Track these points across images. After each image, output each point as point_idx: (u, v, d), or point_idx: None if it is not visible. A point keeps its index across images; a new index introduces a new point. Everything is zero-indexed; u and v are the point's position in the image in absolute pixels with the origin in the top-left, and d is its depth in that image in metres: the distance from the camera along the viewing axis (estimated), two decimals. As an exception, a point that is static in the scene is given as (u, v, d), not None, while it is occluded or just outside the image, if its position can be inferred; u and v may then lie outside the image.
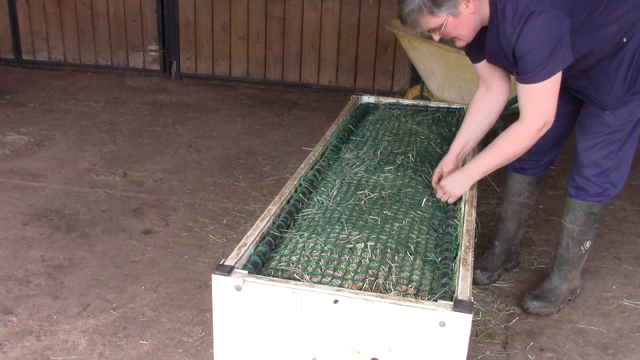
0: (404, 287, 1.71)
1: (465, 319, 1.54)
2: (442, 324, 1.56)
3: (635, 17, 2.24)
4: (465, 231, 1.98)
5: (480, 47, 2.25)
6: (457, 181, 2.25)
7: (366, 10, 5.59)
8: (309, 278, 1.70)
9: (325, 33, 5.73)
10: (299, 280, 1.69)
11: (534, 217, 3.52)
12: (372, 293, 1.62)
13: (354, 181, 2.31)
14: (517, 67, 2.13)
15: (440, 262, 1.85)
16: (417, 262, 1.84)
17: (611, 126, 2.41)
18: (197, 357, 2.41)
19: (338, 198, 2.17)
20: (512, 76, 2.39)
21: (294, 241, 1.91)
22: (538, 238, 3.35)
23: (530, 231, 3.39)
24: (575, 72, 2.30)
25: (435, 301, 1.60)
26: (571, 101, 2.52)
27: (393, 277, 1.74)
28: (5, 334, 2.48)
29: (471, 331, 1.67)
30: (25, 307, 2.65)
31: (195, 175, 4.00)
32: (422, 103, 3.28)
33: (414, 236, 1.98)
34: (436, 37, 2.18)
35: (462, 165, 2.41)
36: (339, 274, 1.74)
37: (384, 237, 1.91)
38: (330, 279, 1.71)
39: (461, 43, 2.23)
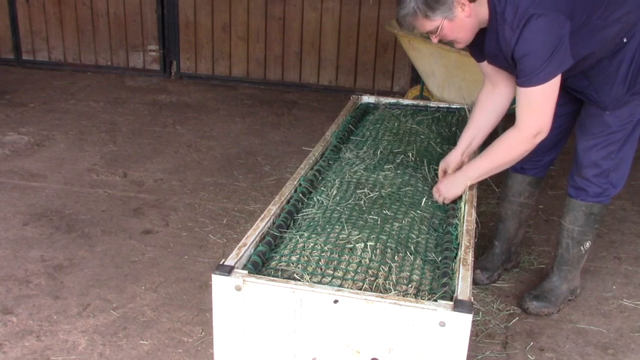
0: (404, 287, 1.71)
1: (465, 319, 1.54)
2: (442, 324, 1.56)
3: (635, 18, 2.24)
4: (465, 231, 1.98)
5: (481, 46, 2.25)
6: (452, 183, 2.25)
7: (366, 10, 5.59)
8: (309, 278, 1.70)
9: (325, 33, 5.73)
10: (299, 280, 1.69)
11: (534, 217, 3.52)
12: (372, 293, 1.62)
13: (354, 180, 2.31)
14: (516, 70, 2.13)
15: (440, 261, 1.85)
16: (417, 261, 1.84)
17: (611, 126, 2.41)
18: (197, 357, 2.41)
19: (338, 197, 2.17)
20: None
21: (294, 241, 1.91)
22: (538, 238, 3.35)
23: (530, 231, 3.39)
24: (575, 72, 2.30)
25: (435, 301, 1.60)
26: (571, 101, 2.52)
27: (393, 277, 1.74)
28: (5, 334, 2.48)
29: (471, 331, 1.67)
30: (25, 307, 2.65)
31: (195, 175, 4.00)
32: (422, 103, 3.28)
33: (414, 236, 1.98)
34: (434, 40, 2.18)
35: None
36: (339, 274, 1.74)
37: (384, 237, 1.91)
38: (330, 279, 1.71)
39: (459, 45, 2.23)
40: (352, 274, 1.74)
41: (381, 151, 2.58)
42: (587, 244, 2.65)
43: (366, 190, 2.23)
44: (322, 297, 1.63)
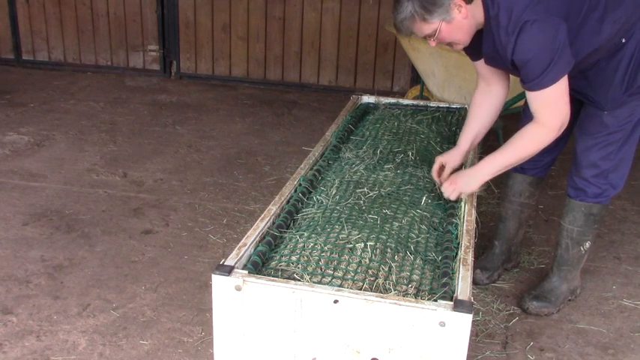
0: (404, 287, 1.71)
1: (465, 319, 1.54)
2: (442, 324, 1.56)
3: (633, 18, 2.24)
4: (465, 231, 1.98)
5: (478, 46, 2.25)
6: (470, 178, 2.24)
7: (366, 10, 5.59)
8: (309, 278, 1.70)
9: (325, 33, 5.73)
10: (299, 280, 1.69)
11: (534, 217, 3.52)
12: (372, 293, 1.62)
13: (354, 180, 2.31)
14: (521, 75, 2.13)
15: (440, 261, 1.85)
16: (417, 261, 1.84)
17: (609, 127, 2.41)
18: (197, 357, 2.41)
19: (337, 197, 2.17)
20: (511, 75, 2.39)
21: (294, 241, 1.91)
22: (538, 238, 3.35)
23: (530, 231, 3.39)
24: (574, 73, 2.30)
25: (435, 301, 1.60)
26: (570, 102, 2.52)
27: (393, 276, 1.74)
28: (5, 334, 2.48)
29: (471, 331, 1.67)
30: (25, 307, 2.65)
31: (195, 175, 4.00)
32: (422, 103, 3.28)
33: (414, 235, 1.98)
34: (432, 44, 2.18)
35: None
36: (339, 274, 1.74)
37: (383, 236, 1.91)
38: (330, 279, 1.71)
39: (458, 48, 2.23)
40: (352, 274, 1.74)
41: (380, 151, 2.58)
42: (587, 245, 2.65)
43: (365, 189, 2.23)
44: (322, 297, 1.63)
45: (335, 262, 1.78)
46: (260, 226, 1.93)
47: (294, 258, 1.81)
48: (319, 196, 2.19)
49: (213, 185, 3.85)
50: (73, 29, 6.10)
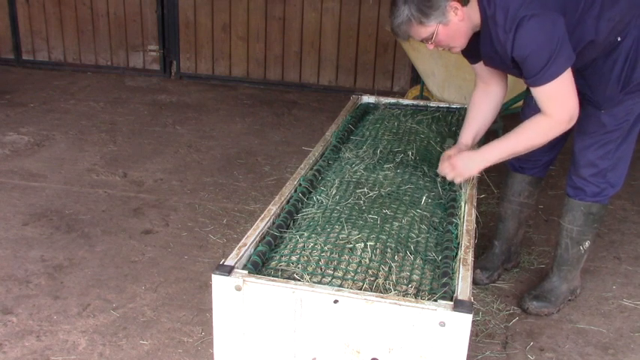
0: (404, 287, 1.71)
1: (465, 319, 1.54)
2: (442, 324, 1.56)
3: (628, 17, 2.24)
4: (464, 231, 1.98)
5: (475, 49, 2.25)
6: (470, 161, 2.23)
7: (366, 10, 5.59)
8: (309, 278, 1.70)
9: (325, 33, 5.73)
10: (299, 280, 1.69)
11: (534, 217, 3.52)
12: (372, 293, 1.62)
13: (354, 180, 2.31)
14: (523, 71, 2.13)
15: (440, 260, 1.85)
16: (417, 261, 1.84)
17: (607, 126, 2.41)
18: (197, 357, 2.41)
19: (337, 197, 2.17)
20: (510, 75, 2.40)
21: (294, 241, 1.91)
22: (538, 238, 3.35)
23: (530, 231, 3.39)
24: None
25: (435, 301, 1.60)
26: None
27: (393, 276, 1.74)
28: (5, 334, 2.48)
29: (471, 331, 1.67)
30: (25, 307, 2.65)
31: (195, 175, 4.00)
32: (422, 103, 3.28)
33: (414, 235, 1.98)
34: (430, 47, 2.17)
35: None
36: (339, 274, 1.74)
37: (383, 236, 1.91)
38: (330, 279, 1.71)
39: (455, 51, 2.23)
40: (352, 274, 1.74)
41: (380, 151, 2.58)
42: (587, 244, 2.65)
43: (365, 189, 2.23)
44: (322, 297, 1.63)
45: (335, 262, 1.78)
46: (260, 226, 1.93)
47: (294, 258, 1.81)
48: (319, 196, 2.19)
49: (213, 185, 3.85)
50: (73, 29, 6.10)
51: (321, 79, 5.87)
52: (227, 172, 4.05)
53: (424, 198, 2.23)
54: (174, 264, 3.01)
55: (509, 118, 4.12)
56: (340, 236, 1.90)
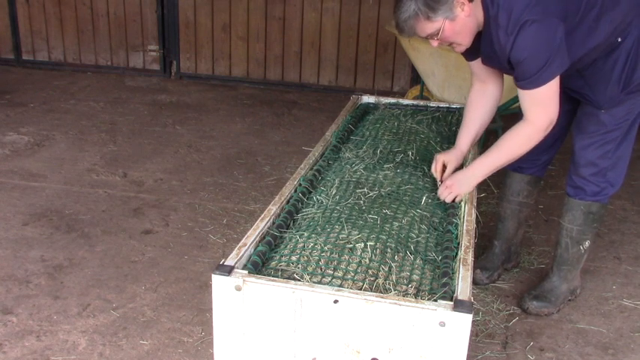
0: (404, 287, 1.71)
1: (465, 319, 1.54)
2: (442, 324, 1.56)
3: (629, 18, 2.24)
4: (465, 231, 1.98)
5: (473, 46, 2.24)
6: (464, 180, 2.25)
7: (366, 10, 5.59)
8: (309, 278, 1.70)
9: (325, 33, 5.73)
10: (299, 280, 1.69)
11: (534, 217, 3.52)
12: (372, 293, 1.62)
13: (354, 180, 2.31)
14: (515, 73, 2.14)
15: (440, 261, 1.85)
16: (417, 261, 1.84)
17: (607, 125, 2.41)
18: (197, 357, 2.41)
19: (337, 197, 2.17)
20: (505, 75, 2.40)
21: (294, 241, 1.91)
22: (538, 238, 3.35)
23: (530, 231, 3.39)
24: (571, 72, 2.31)
25: (435, 301, 1.60)
26: (568, 100, 2.52)
27: (393, 276, 1.74)
28: (5, 334, 2.48)
29: (471, 331, 1.67)
30: (25, 307, 2.65)
31: (195, 175, 4.00)
32: (422, 103, 3.28)
33: (414, 235, 1.98)
34: (435, 44, 2.17)
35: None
36: (339, 274, 1.74)
37: (383, 236, 1.91)
38: (330, 279, 1.71)
39: (460, 49, 2.22)
40: (352, 274, 1.74)
41: (380, 151, 2.58)
42: (587, 244, 2.65)
43: (365, 189, 2.23)
44: (322, 297, 1.63)
45: (335, 262, 1.78)
46: (260, 226, 1.93)
47: (294, 258, 1.81)
48: (319, 196, 2.19)
49: (213, 185, 3.85)
50: (73, 29, 6.10)
51: (321, 79, 5.87)
52: (227, 172, 4.05)
53: (424, 198, 2.23)
54: (174, 264, 3.01)
55: (509, 117, 4.12)
56: (340, 236, 1.90)
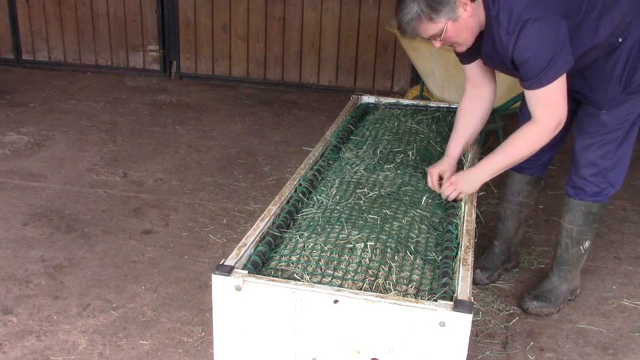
0: (404, 287, 1.71)
1: (465, 319, 1.54)
2: (442, 324, 1.56)
3: (629, 17, 2.24)
4: (465, 231, 1.98)
5: (470, 49, 2.24)
6: (470, 178, 2.24)
7: (366, 10, 5.59)
8: (309, 278, 1.70)
9: (325, 33, 5.73)
10: (299, 280, 1.69)
11: (534, 217, 3.52)
12: (372, 293, 1.62)
13: (354, 180, 2.31)
14: (519, 74, 2.13)
15: (440, 261, 1.85)
16: (417, 261, 1.84)
17: (607, 126, 2.41)
18: (197, 357, 2.41)
19: (337, 197, 2.17)
20: (508, 76, 2.39)
21: (294, 241, 1.91)
22: (538, 238, 3.35)
23: (530, 231, 3.39)
24: (572, 72, 2.30)
25: (435, 301, 1.60)
26: (569, 101, 2.52)
27: (393, 276, 1.74)
28: (5, 334, 2.48)
29: (471, 331, 1.67)
30: (25, 307, 2.65)
31: (195, 175, 4.00)
32: (422, 103, 3.28)
33: (414, 235, 1.98)
34: (437, 45, 2.16)
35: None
36: (339, 274, 1.74)
37: (383, 236, 1.91)
38: (330, 279, 1.71)
39: (461, 48, 2.22)
40: (352, 274, 1.74)
41: (380, 151, 2.58)
42: (587, 244, 2.65)
43: (365, 189, 2.23)
44: (322, 297, 1.63)
45: (335, 262, 1.78)
46: (260, 226, 1.93)
47: (294, 258, 1.81)
48: (319, 196, 2.19)
49: (213, 185, 3.85)
50: (73, 29, 6.10)
51: (321, 79, 5.87)
52: (227, 172, 4.05)
53: (424, 198, 2.23)
54: (174, 264, 3.01)
55: (509, 117, 4.12)
56: (340, 236, 1.90)
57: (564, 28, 2.03)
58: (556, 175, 4.09)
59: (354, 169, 2.40)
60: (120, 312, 2.64)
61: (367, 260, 1.79)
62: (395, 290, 1.68)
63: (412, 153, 2.58)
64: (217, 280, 1.67)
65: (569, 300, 2.80)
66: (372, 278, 1.73)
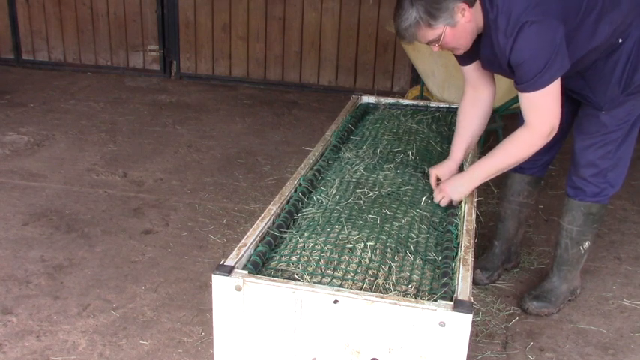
0: (404, 287, 1.71)
1: (465, 319, 1.54)
2: (442, 324, 1.56)
3: (629, 19, 2.24)
4: (465, 231, 1.98)
5: (469, 51, 2.24)
6: (458, 183, 2.23)
7: (366, 10, 5.59)
8: (309, 278, 1.70)
9: (325, 33, 5.73)
10: (299, 280, 1.69)
11: (534, 217, 3.52)
12: (372, 293, 1.62)
13: (354, 180, 2.31)
14: (515, 76, 2.13)
15: (440, 261, 1.85)
16: (417, 261, 1.84)
17: (607, 126, 2.41)
18: (197, 357, 2.41)
19: (337, 197, 2.17)
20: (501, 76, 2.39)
21: (294, 241, 1.91)
22: (538, 238, 3.35)
23: (530, 231, 3.39)
24: (571, 73, 2.30)
25: (435, 301, 1.60)
26: (568, 101, 2.52)
27: (393, 276, 1.74)
28: (5, 334, 2.48)
29: (471, 331, 1.67)
30: (25, 307, 2.65)
31: (195, 175, 4.00)
32: (422, 103, 3.28)
33: (414, 235, 1.98)
34: (435, 49, 2.16)
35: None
36: (339, 274, 1.74)
37: (383, 236, 1.91)
38: (330, 279, 1.71)
39: (459, 52, 2.22)
40: (352, 274, 1.74)
41: (380, 151, 2.58)
42: (586, 245, 2.65)
43: (365, 189, 2.23)
44: (322, 297, 1.63)
45: (335, 262, 1.78)
46: (260, 226, 1.93)
47: (294, 258, 1.81)
48: (319, 196, 2.19)
49: (213, 185, 3.85)
50: (73, 29, 6.10)
51: (321, 79, 5.87)
52: (227, 172, 4.05)
53: (424, 199, 2.23)
54: (174, 264, 3.01)
55: (509, 117, 4.12)
56: (340, 236, 1.90)
57: (561, 33, 2.03)
58: (556, 175, 4.09)
59: (354, 169, 2.40)
60: (120, 312, 2.64)
61: (367, 260, 1.80)
62: (395, 290, 1.68)
63: (412, 153, 2.58)
64: (217, 280, 1.67)
65: (569, 300, 2.80)
66: (372, 278, 1.73)
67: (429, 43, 2.14)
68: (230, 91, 5.77)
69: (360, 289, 1.67)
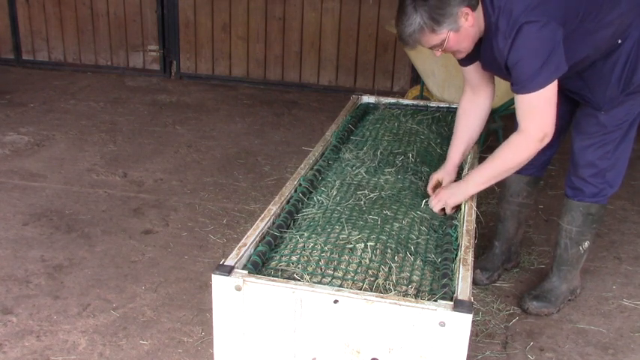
0: (404, 287, 1.71)
1: (465, 319, 1.54)
2: (442, 324, 1.56)
3: (629, 19, 2.24)
4: (465, 231, 1.98)
5: (470, 52, 2.24)
6: (455, 191, 2.22)
7: (366, 10, 5.59)
8: (309, 278, 1.70)
9: (325, 33, 5.73)
10: (299, 280, 1.69)
11: (534, 217, 3.52)
12: (372, 293, 1.62)
13: (354, 182, 2.31)
14: (511, 78, 2.12)
15: (440, 262, 1.85)
16: (417, 262, 1.84)
17: (606, 126, 2.41)
18: (197, 357, 2.41)
19: (338, 198, 2.17)
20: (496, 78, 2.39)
21: (294, 241, 1.91)
22: (538, 238, 3.35)
23: (530, 231, 3.39)
24: (570, 74, 2.30)
25: (435, 301, 1.60)
26: (567, 101, 2.52)
27: (393, 277, 1.74)
28: (5, 334, 2.48)
29: (471, 331, 1.67)
30: (25, 307, 2.65)
31: (195, 175, 4.00)
32: (422, 103, 3.28)
33: (414, 237, 1.98)
34: (438, 54, 2.15)
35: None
36: (339, 274, 1.74)
37: (384, 237, 1.91)
38: (330, 279, 1.71)
39: (461, 56, 2.21)
40: (352, 274, 1.74)
41: (381, 152, 2.58)
42: (586, 245, 2.65)
43: (366, 191, 2.23)
44: (322, 297, 1.63)
45: (335, 263, 1.78)
46: (260, 226, 1.93)
47: (294, 258, 1.81)
48: (319, 196, 2.19)
49: (213, 185, 3.85)
50: (73, 29, 6.10)
51: (321, 79, 5.87)
52: (227, 172, 4.05)
53: (424, 201, 2.23)
54: (174, 264, 3.01)
55: (509, 117, 4.12)
56: (340, 236, 1.90)
57: (560, 34, 2.02)
58: (556, 175, 4.09)
59: (355, 172, 2.39)
60: (120, 312, 2.64)
61: (367, 260, 1.80)
62: (395, 290, 1.68)
63: (412, 155, 2.58)
64: (217, 280, 1.67)
65: (569, 300, 2.80)
66: (372, 278, 1.73)
67: (432, 48, 2.13)
68: (230, 91, 5.77)
69: (360, 289, 1.67)
